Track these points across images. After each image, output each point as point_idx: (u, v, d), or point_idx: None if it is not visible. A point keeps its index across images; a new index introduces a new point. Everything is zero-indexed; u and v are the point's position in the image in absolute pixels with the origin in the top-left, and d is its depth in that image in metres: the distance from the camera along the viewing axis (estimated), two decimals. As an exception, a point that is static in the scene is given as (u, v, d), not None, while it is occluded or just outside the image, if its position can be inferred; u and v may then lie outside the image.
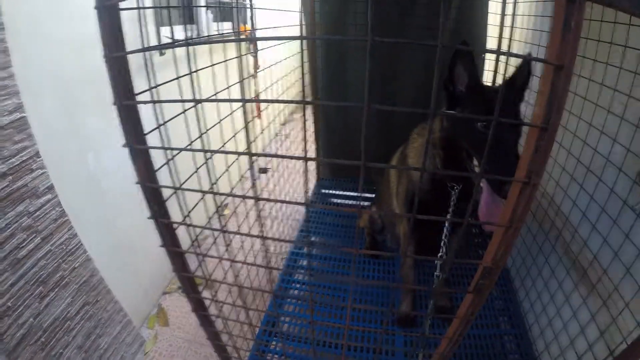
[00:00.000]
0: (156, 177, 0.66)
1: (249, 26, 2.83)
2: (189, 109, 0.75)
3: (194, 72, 0.58)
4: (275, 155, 0.48)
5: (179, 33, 1.93)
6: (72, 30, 1.45)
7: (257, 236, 0.63)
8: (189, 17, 2.03)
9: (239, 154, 0.54)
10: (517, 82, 1.01)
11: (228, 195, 0.62)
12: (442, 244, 1.16)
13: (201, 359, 1.77)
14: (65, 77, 1.45)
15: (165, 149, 0.63)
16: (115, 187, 1.74)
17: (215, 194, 0.64)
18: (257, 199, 0.56)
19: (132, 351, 1.76)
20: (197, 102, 0.57)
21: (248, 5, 2.74)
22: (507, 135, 0.91)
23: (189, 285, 0.81)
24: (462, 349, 1.37)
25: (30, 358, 1.29)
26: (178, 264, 0.76)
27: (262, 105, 2.69)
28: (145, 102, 0.62)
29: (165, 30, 1.89)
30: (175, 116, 0.76)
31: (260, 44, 2.95)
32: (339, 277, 1.70)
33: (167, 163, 0.66)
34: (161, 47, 0.61)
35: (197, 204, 0.80)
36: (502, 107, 0.57)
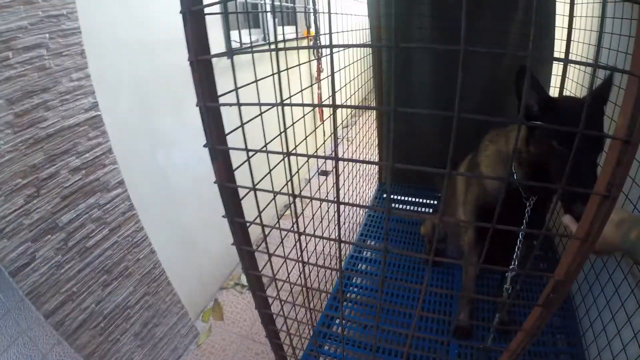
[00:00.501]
0: (234, 177, 0.68)
1: (312, 31, 2.88)
2: (266, 111, 0.77)
3: (278, 73, 0.59)
4: (358, 161, 0.48)
5: (245, 37, 1.99)
6: (146, 34, 1.54)
7: (333, 239, 0.63)
8: (254, 21, 2.09)
9: (322, 157, 0.54)
10: (602, 95, 0.94)
11: (310, 198, 0.63)
12: (514, 256, 1.12)
13: (252, 355, 1.79)
14: (139, 78, 1.53)
15: (247, 150, 0.65)
16: (183, 184, 1.83)
17: (294, 196, 0.65)
18: (338, 202, 0.56)
19: (186, 342, 1.82)
20: (282, 105, 0.58)
21: (313, 10, 2.78)
22: (587, 153, 0.86)
23: (256, 283, 0.82)
24: None
25: (88, 341, 1.37)
26: (247, 262, 0.78)
27: (325, 112, 2.72)
28: (229, 104, 0.64)
29: (233, 35, 1.95)
30: (254, 117, 0.78)
31: (323, 51, 2.98)
32: (409, 284, 1.66)
33: (246, 161, 0.67)
34: (248, 51, 0.62)
35: (269, 203, 0.82)
36: (588, 120, 0.55)
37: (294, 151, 0.65)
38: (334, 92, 0.48)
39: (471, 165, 1.36)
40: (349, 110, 3.98)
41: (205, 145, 0.65)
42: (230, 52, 0.63)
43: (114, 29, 1.41)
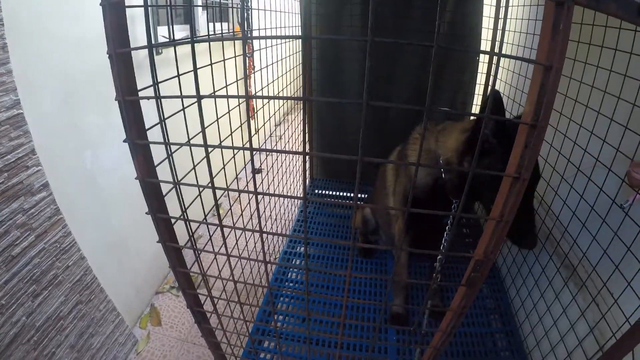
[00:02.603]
0: (156, 172, 0.67)
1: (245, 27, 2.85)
2: (189, 105, 0.75)
3: (198, 69, 0.58)
4: (276, 150, 0.48)
5: (176, 33, 1.94)
6: (72, 30, 1.47)
7: (254, 230, 0.63)
8: (185, 17, 2.04)
9: (240, 148, 0.54)
10: None
11: (227, 190, 0.63)
12: (443, 240, 1.17)
13: (194, 359, 1.78)
14: (64, 75, 1.46)
15: (165, 144, 0.64)
16: (111, 185, 1.76)
17: (215, 188, 0.64)
18: (256, 193, 0.57)
19: (125, 351, 1.77)
20: (200, 98, 0.57)
21: (244, 6, 2.76)
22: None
23: (185, 280, 0.81)
24: (455, 347, 1.40)
25: (23, 357, 1.30)
26: (175, 260, 0.76)
27: (258, 106, 2.71)
28: (147, 98, 0.63)
29: (161, 30, 1.91)
30: (176, 112, 0.77)
31: (256, 46, 2.97)
32: (335, 270, 1.74)
33: (167, 158, 0.66)
34: (168, 44, 0.61)
35: (195, 198, 0.81)
36: None
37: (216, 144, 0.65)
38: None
39: (400, 157, 1.40)
40: (281, 108, 3.97)
41: (124, 140, 0.63)
42: (150, 46, 0.62)
43: (39, 22, 1.34)
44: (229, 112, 1.17)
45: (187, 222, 0.73)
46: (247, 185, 1.20)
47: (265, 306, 1.52)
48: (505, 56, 0.53)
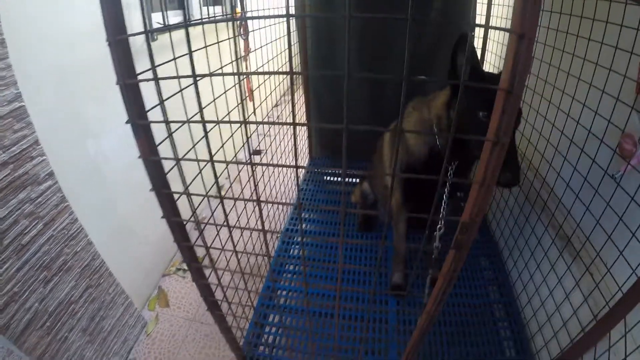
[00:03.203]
0: (157, 151, 0.71)
1: (239, 10, 2.86)
2: (187, 86, 0.78)
3: (193, 51, 0.61)
4: (271, 123, 0.51)
5: (170, 19, 1.96)
6: (69, 23, 1.49)
7: (252, 200, 0.66)
8: (179, 2, 2.05)
9: (236, 122, 0.57)
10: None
11: (225, 162, 0.67)
12: (440, 213, 1.22)
13: (202, 337, 1.84)
14: (62, 67, 1.48)
15: (165, 122, 0.67)
16: (115, 172, 1.79)
17: (215, 162, 0.67)
18: (252, 163, 0.61)
19: (135, 333, 1.83)
20: (196, 77, 0.61)
21: None
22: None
23: (190, 255, 0.85)
24: (454, 316, 1.45)
25: (37, 343, 1.35)
26: (179, 234, 0.80)
27: (254, 86, 2.74)
28: (146, 80, 0.66)
29: (156, 16, 1.92)
30: (175, 94, 0.80)
31: (251, 27, 2.98)
32: (331, 238, 1.82)
33: (168, 137, 0.70)
34: (163, 29, 0.64)
35: (197, 175, 0.85)
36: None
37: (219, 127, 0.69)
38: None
39: (396, 131, 1.43)
40: (278, 89, 3.99)
41: (127, 122, 0.67)
42: (147, 32, 0.65)
43: (36, 16, 1.35)
44: (225, 92, 1.20)
45: (189, 197, 0.77)
46: (245, 163, 1.24)
47: (270, 279, 1.59)
48: (480, 26, 0.56)
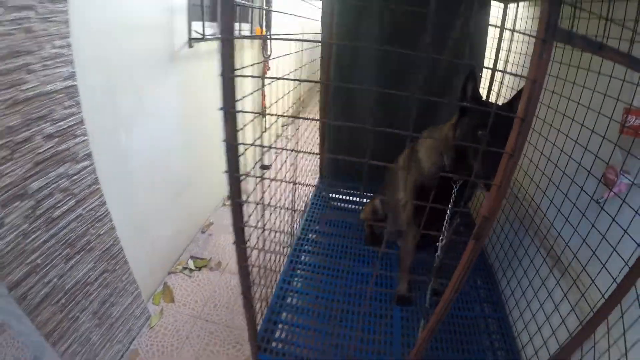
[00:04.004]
0: (237, 135, 0.89)
1: (264, 30, 3.11)
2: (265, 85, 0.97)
3: (264, 60, 0.80)
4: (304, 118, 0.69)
5: (206, 29, 2.17)
6: (124, 18, 1.63)
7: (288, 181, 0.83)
8: (212, 15, 2.26)
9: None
10: (514, 105, 1.29)
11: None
12: (443, 228, 1.42)
13: (207, 334, 1.87)
14: (108, 58, 1.59)
15: (254, 113, 0.85)
16: (140, 166, 1.89)
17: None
18: (296, 150, 0.78)
19: (139, 324, 1.84)
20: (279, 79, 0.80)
21: (268, 7, 3.04)
22: (498, 142, 1.18)
23: (238, 213, 1.03)
24: (451, 327, 1.56)
25: (49, 318, 1.38)
26: (235, 190, 0.98)
27: (267, 104, 2.99)
28: (246, 77, 0.85)
29: (194, 25, 2.11)
30: (254, 91, 0.98)
31: (274, 51, 3.28)
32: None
33: (252, 120, 0.88)
34: (264, 37, 0.82)
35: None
36: (497, 122, 0.86)
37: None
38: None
39: (410, 153, 1.65)
40: (290, 108, 4.24)
41: (220, 109, 0.84)
42: (247, 37, 0.85)
43: (97, 4, 1.48)
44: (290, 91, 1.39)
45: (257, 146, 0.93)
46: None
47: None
48: (503, 72, 0.79)
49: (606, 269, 1.17)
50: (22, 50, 1.15)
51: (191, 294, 2.12)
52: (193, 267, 2.29)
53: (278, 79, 0.92)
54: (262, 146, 1.08)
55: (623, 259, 1.09)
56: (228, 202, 2.83)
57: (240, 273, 1.17)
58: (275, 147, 1.03)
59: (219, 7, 0.79)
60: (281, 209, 1.11)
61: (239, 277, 1.20)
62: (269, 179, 0.97)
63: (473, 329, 1.60)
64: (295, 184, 1.16)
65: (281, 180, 1.08)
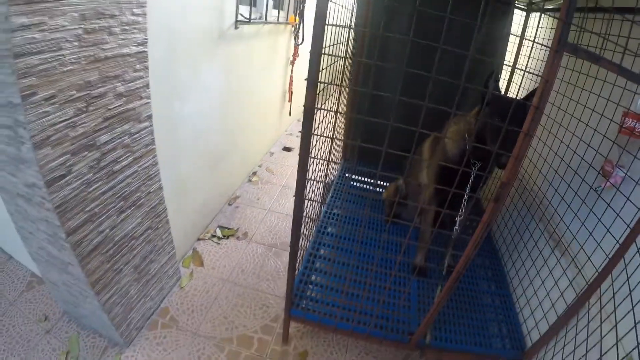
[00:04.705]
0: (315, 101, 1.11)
1: (297, 18, 3.36)
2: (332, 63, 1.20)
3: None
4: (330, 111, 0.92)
5: (246, 14, 2.39)
6: None
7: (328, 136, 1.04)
8: (254, 1, 2.50)
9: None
10: (529, 100, 1.57)
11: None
12: (461, 205, 1.66)
13: (235, 296, 1.99)
14: (170, 31, 1.72)
15: (325, 83, 1.09)
16: (186, 134, 2.03)
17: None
18: (336, 112, 1.00)
19: (171, 284, 1.94)
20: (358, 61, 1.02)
21: None
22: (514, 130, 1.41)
23: (304, 168, 1.25)
24: (460, 298, 1.77)
25: (97, 267, 1.48)
26: (306, 147, 1.20)
27: (293, 88, 3.26)
28: (327, 54, 1.09)
29: (241, 9, 2.31)
30: (328, 66, 1.20)
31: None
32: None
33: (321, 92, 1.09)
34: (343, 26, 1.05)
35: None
36: (514, 113, 1.12)
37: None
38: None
39: (436, 140, 1.85)
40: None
41: (305, 79, 1.08)
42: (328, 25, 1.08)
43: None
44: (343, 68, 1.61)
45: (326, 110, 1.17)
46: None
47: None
48: (523, 70, 1.05)
49: (601, 247, 1.38)
50: (107, 13, 1.27)
51: (219, 259, 2.24)
52: (220, 235, 2.42)
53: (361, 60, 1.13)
54: (330, 110, 1.27)
55: (615, 238, 1.30)
56: (254, 179, 3.10)
57: (294, 224, 1.36)
58: (340, 112, 1.23)
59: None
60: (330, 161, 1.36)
61: (292, 229, 1.38)
62: (331, 138, 1.19)
63: (480, 302, 1.81)
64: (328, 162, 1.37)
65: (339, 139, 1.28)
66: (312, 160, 1.33)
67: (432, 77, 1.00)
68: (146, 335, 1.75)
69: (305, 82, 1.11)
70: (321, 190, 2.09)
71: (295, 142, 3.95)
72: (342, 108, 2.64)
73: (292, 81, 3.67)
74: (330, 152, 1.44)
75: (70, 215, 1.33)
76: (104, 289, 1.55)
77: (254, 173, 3.29)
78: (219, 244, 2.37)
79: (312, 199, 1.69)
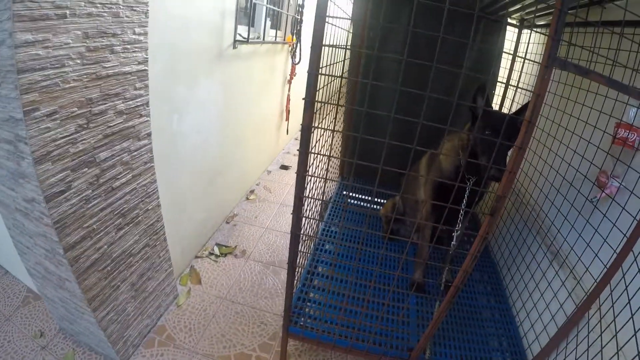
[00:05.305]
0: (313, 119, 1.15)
1: (294, 38, 3.42)
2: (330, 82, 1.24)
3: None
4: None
5: (245, 34, 2.45)
6: (185, 13, 1.81)
7: (326, 155, 1.08)
8: (249, 21, 2.57)
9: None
10: (521, 115, 1.59)
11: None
12: (458, 220, 1.67)
13: (233, 314, 1.97)
14: (171, 48, 1.76)
15: (322, 102, 1.13)
16: (185, 151, 2.04)
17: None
18: (333, 130, 1.03)
19: (168, 302, 1.93)
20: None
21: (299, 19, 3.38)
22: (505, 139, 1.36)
23: (302, 184, 1.26)
24: (459, 314, 1.76)
25: (94, 284, 1.47)
26: (303, 165, 1.22)
27: (290, 107, 3.33)
28: (323, 74, 1.13)
29: (240, 29, 2.37)
30: (325, 85, 1.24)
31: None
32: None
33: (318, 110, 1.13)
34: (340, 47, 1.09)
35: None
36: (505, 127, 1.16)
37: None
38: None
39: (432, 156, 1.88)
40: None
41: (303, 98, 1.11)
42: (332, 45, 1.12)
43: (171, 1, 1.70)
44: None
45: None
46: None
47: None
48: (518, 87, 1.10)
49: (598, 258, 1.39)
50: (109, 32, 1.31)
51: (217, 277, 2.22)
52: (218, 253, 2.41)
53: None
54: (327, 129, 1.30)
55: (612, 247, 1.31)
56: (251, 197, 3.11)
57: (292, 241, 1.36)
58: (337, 131, 1.27)
59: (315, 20, 1.07)
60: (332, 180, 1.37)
61: (289, 246, 1.37)
62: (328, 156, 1.23)
63: (479, 317, 1.80)
64: (325, 180, 1.40)
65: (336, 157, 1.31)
66: (309, 178, 1.35)
67: (426, 96, 1.03)
68: (143, 353, 1.73)
69: (303, 101, 1.14)
70: (319, 208, 2.10)
71: (293, 161, 4.00)
72: (339, 126, 2.68)
73: (289, 100, 3.74)
74: (327, 169, 1.46)
75: (68, 230, 1.34)
76: (101, 305, 1.54)
77: (252, 191, 3.31)
78: (216, 261, 2.36)
79: (310, 216, 1.71)
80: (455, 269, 1.42)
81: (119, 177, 1.51)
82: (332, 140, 1.30)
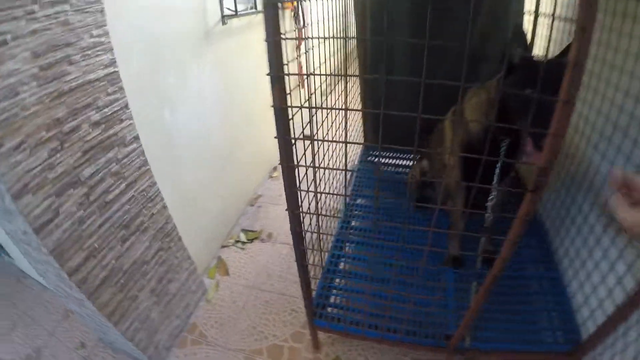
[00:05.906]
0: (287, 98, 0.96)
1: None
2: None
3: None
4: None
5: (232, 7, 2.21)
6: (152, 2, 1.63)
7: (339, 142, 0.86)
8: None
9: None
10: (563, 57, 1.25)
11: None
12: (492, 186, 1.42)
13: (262, 303, 1.93)
14: (150, 39, 1.61)
15: (301, 75, 0.87)
16: (185, 144, 1.93)
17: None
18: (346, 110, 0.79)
19: (196, 298, 1.91)
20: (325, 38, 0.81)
21: None
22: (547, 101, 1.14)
23: (290, 177, 1.16)
24: (504, 288, 1.56)
25: (110, 299, 1.43)
26: (285, 154, 1.08)
27: (309, 70, 2.99)
28: (289, 38, 0.86)
29: (227, 2, 2.15)
30: (306, 52, 1.08)
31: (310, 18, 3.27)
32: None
33: (298, 85, 0.90)
34: None
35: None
36: (547, 78, 0.79)
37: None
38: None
39: (456, 113, 1.62)
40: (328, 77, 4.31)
41: (267, 74, 0.88)
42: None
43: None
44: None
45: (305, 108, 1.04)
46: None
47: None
48: (559, 18, 0.76)
49: None
50: (61, 43, 1.17)
51: (245, 265, 2.18)
52: (245, 240, 2.36)
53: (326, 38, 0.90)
54: (309, 107, 1.09)
55: None
56: (274, 174, 2.94)
57: (294, 239, 1.22)
58: (325, 108, 1.04)
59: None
60: (333, 169, 1.27)
61: (293, 244, 1.26)
62: (321, 140, 1.00)
63: (526, 289, 1.61)
64: (347, 143, 1.19)
65: (331, 141, 1.11)
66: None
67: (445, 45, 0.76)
68: (176, 354, 1.73)
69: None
70: (342, 179, 1.92)
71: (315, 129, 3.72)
72: (353, 95, 2.40)
73: (301, 66, 3.40)
74: (346, 133, 1.24)
75: (67, 255, 1.28)
76: (122, 318, 1.52)
77: (274, 168, 3.11)
78: (243, 249, 2.31)
79: (331, 192, 1.52)
80: (499, 238, 1.15)
81: (111, 189, 1.42)
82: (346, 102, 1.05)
